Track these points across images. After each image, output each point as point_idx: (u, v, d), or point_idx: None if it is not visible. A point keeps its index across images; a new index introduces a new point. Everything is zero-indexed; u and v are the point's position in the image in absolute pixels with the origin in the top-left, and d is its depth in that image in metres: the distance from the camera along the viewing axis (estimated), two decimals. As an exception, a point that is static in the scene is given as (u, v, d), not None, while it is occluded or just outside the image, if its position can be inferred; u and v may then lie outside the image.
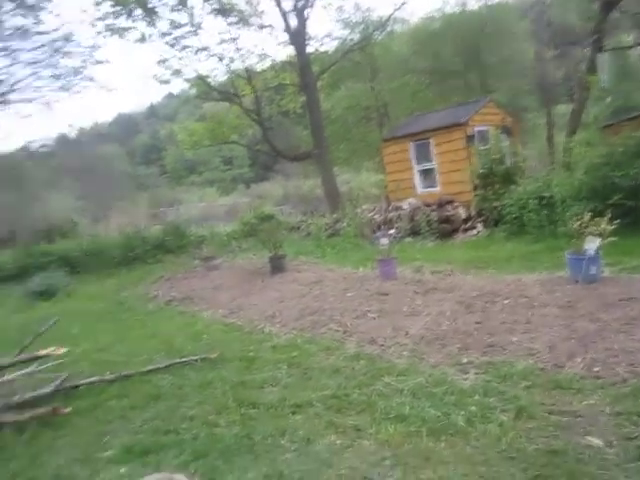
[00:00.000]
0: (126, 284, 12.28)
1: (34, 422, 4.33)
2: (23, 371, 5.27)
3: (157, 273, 12.95)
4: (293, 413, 3.99)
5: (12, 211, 18.00)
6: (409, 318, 6.05)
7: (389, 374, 4.47)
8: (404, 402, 3.84)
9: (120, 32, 17.27)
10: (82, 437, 4.06)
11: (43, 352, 5.16)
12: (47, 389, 4.88)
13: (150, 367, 5.49)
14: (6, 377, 5.12)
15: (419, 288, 7.29)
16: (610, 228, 6.21)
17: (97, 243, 15.71)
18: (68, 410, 4.53)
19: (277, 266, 10.35)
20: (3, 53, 17.46)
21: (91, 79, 18.51)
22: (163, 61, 18.45)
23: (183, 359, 5.61)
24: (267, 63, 20.29)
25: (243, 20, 18.39)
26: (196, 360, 5.54)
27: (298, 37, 18.58)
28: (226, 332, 6.86)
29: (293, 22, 18.47)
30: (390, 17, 20.99)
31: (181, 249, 15.52)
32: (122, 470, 3.36)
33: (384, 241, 8.95)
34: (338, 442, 3.45)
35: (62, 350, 5.24)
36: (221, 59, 19.02)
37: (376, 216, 13.42)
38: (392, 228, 11.88)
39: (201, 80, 19.04)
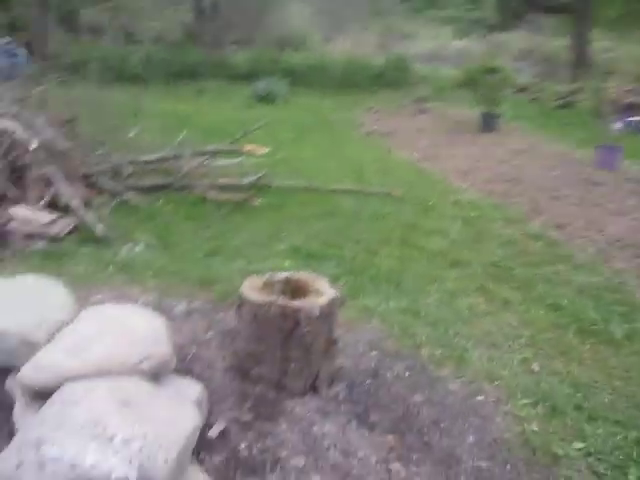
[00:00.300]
0: (338, 107, 12.69)
1: (230, 204, 5.02)
2: (230, 160, 6.01)
3: (369, 103, 13.09)
4: (450, 267, 4.03)
5: (252, 15, 18.90)
6: (611, 216, 5.42)
7: (563, 263, 4.19)
8: (566, 294, 3.63)
9: None
10: (263, 227, 4.63)
11: (248, 147, 5.77)
12: (245, 180, 5.54)
13: (337, 187, 5.85)
14: (216, 162, 5.91)
15: (638, 187, 6.37)
16: None
17: (322, 61, 16.10)
18: (259, 202, 5.15)
19: (488, 124, 9.75)
20: None
21: None
22: None
23: (368, 189, 5.85)
24: None
25: None
26: (379, 193, 5.74)
27: None
28: (415, 175, 6.90)
29: None
30: None
31: (398, 85, 15.26)
32: (286, 263, 3.82)
33: (618, 125, 7.78)
34: (482, 307, 3.45)
35: (264, 150, 5.79)
36: None
37: (624, 96, 11.49)
38: (638, 115, 10.16)
39: None
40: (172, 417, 1.69)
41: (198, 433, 1.79)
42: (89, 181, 5.05)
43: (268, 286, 2.46)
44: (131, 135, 6.12)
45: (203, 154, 5.73)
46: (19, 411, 1.94)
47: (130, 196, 4.99)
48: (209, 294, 3.26)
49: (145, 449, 1.54)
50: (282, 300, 2.32)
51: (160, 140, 6.13)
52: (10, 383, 2.15)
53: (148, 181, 5.43)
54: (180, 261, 3.71)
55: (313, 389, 2.40)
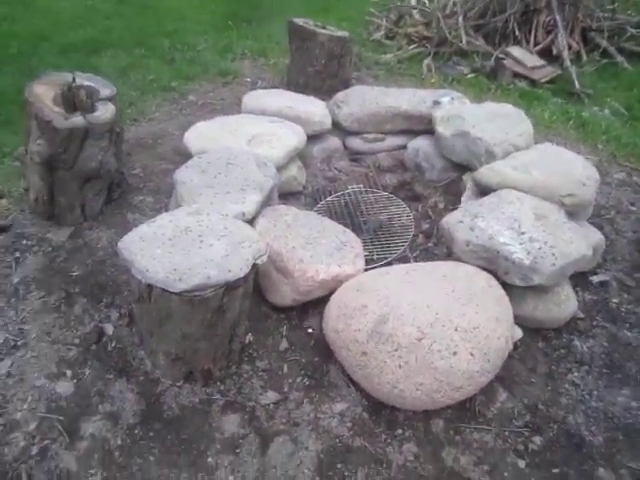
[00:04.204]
0: None
1: None
2: None
3: None
4: None
5: None
6: None
7: None
8: None
9: None
10: None
11: None
12: None
13: None
14: None
15: None
16: None
17: None
18: None
19: None
20: None
21: None
22: None
23: None
24: None
25: None
26: None
27: None
28: None
29: None
30: None
31: None
32: None
33: None
34: None
35: None
36: None
37: None
38: None
39: None
40: (570, 241, 2.12)
41: (581, 263, 2.18)
42: (587, 35, 5.15)
43: None
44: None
45: None
46: (467, 195, 2.69)
47: (620, 59, 4.91)
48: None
49: (542, 250, 2.05)
50: None
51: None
52: (465, 177, 2.91)
53: (645, 48, 5.15)
54: (638, 136, 3.68)
55: None
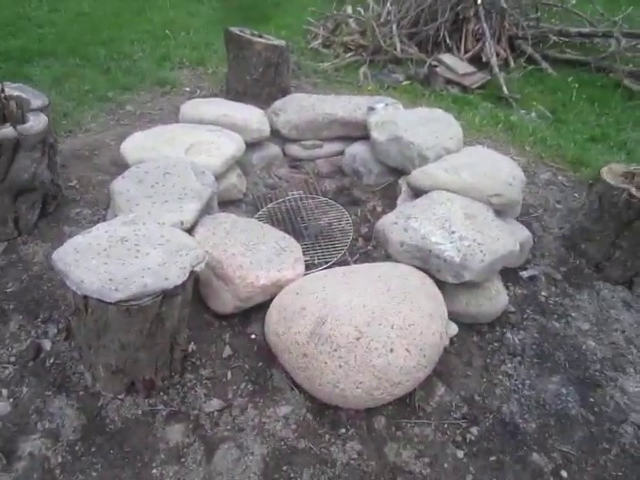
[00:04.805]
0: None
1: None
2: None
3: None
4: None
5: None
6: None
7: None
8: None
9: None
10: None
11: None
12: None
13: None
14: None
15: None
16: None
17: None
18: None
19: None
20: None
21: None
22: None
23: None
24: None
25: None
26: None
27: None
28: None
29: None
30: None
31: None
32: None
33: None
34: None
35: None
36: None
37: None
38: None
39: None
40: (497, 238, 2.23)
41: (509, 258, 2.31)
42: (513, 43, 5.41)
43: (628, 176, 2.57)
44: (573, 2, 6.00)
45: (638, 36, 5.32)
46: (402, 198, 2.78)
47: (545, 66, 5.19)
48: (576, 174, 3.49)
49: (471, 247, 2.15)
50: (636, 191, 2.43)
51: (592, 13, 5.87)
52: (401, 180, 3.01)
53: (567, 55, 5.45)
54: (562, 137, 3.92)
55: (630, 283, 2.58)
